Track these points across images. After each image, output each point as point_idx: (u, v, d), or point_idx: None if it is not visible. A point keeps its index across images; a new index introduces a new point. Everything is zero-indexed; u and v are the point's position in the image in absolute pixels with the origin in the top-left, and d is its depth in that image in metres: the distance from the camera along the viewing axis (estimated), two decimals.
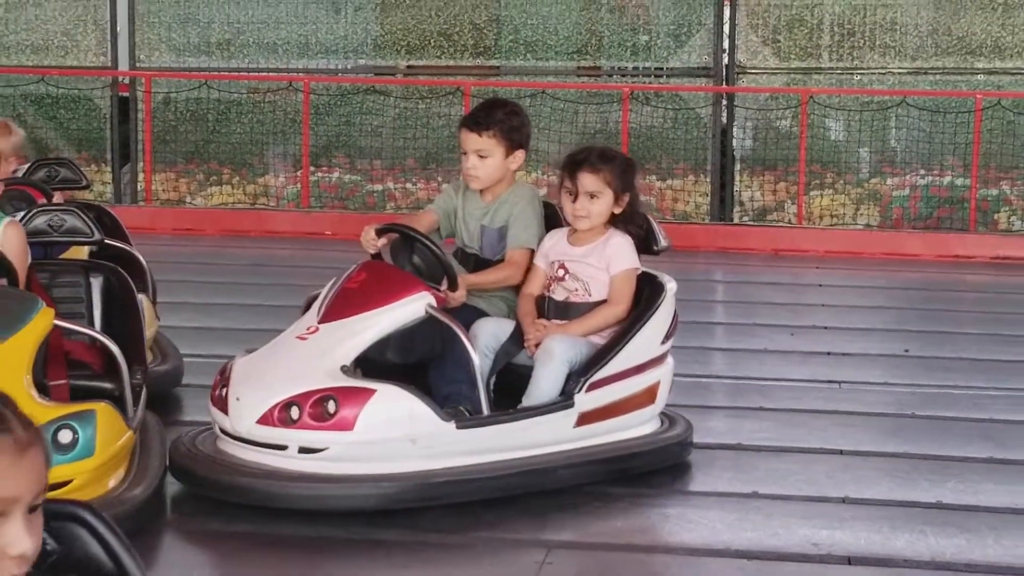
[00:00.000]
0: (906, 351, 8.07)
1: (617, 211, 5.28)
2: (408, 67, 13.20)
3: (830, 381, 7.28)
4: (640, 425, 5.40)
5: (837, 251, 11.61)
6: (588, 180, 5.23)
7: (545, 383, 5.07)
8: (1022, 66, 12.54)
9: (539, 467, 5.05)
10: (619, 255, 5.26)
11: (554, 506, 5.02)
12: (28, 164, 7.56)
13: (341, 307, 4.94)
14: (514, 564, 4.62)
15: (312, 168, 12.65)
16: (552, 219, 5.51)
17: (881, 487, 5.48)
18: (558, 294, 5.30)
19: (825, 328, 8.70)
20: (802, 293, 10.12)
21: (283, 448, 4.69)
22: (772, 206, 12.63)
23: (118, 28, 13.25)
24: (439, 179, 12.86)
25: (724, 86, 12.64)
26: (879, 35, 12.71)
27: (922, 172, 12.58)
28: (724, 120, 12.70)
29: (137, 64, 13.20)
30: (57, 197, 6.56)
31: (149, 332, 6.35)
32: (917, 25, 12.72)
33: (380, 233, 5.22)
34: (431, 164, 12.92)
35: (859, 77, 12.77)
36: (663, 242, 5.45)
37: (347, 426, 4.63)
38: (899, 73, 12.72)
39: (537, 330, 5.15)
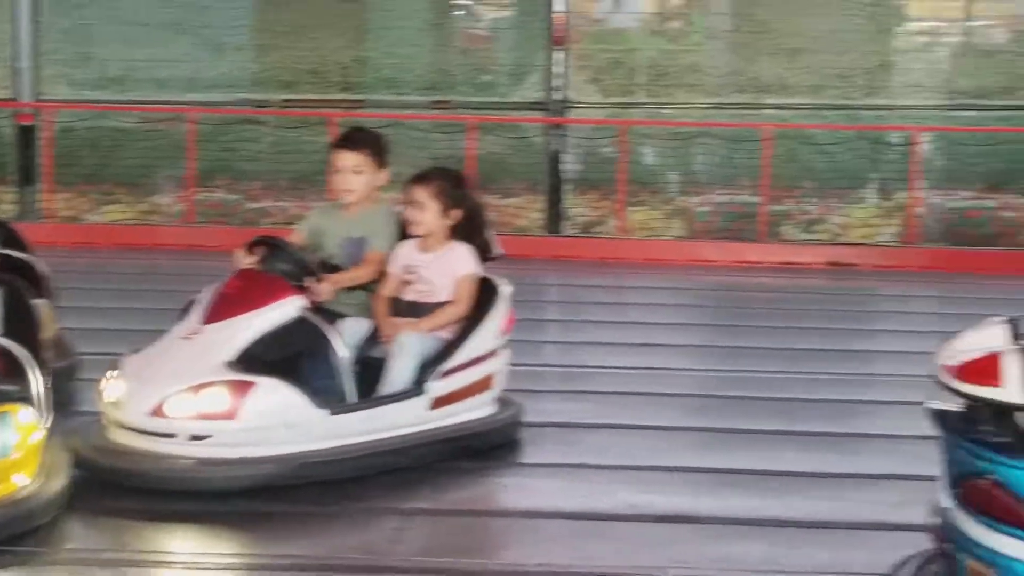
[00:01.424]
0: (708, 343, 8.26)
1: (449, 223, 5.29)
2: (284, 101, 12.97)
3: (645, 367, 7.35)
4: (481, 408, 5.40)
5: (652, 258, 11.68)
6: (417, 192, 5.26)
7: (399, 373, 5.07)
8: (803, 102, 12.60)
9: (399, 447, 5.02)
10: (461, 262, 5.29)
11: (411, 480, 5.00)
12: None
13: (221, 310, 4.88)
14: (376, 529, 4.60)
15: (197, 188, 12.48)
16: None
17: (689, 456, 5.56)
18: (409, 295, 5.31)
19: (642, 323, 8.80)
20: (622, 294, 10.23)
21: (173, 436, 4.62)
22: (596, 220, 12.62)
23: (20, 63, 12.86)
24: (310, 198, 12.72)
25: (555, 118, 12.61)
26: (685, 76, 12.74)
27: (720, 191, 12.63)
28: (555, 147, 12.66)
29: (40, 97, 12.88)
30: None
31: (48, 333, 6.21)
32: (717, 67, 12.78)
33: (249, 248, 5.16)
34: (302, 184, 12.77)
35: (669, 111, 12.77)
36: (496, 251, 5.49)
37: (231, 415, 4.61)
38: (702, 107, 12.74)
39: (391, 327, 5.17)
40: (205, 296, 5.01)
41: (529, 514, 4.89)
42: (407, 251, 5.35)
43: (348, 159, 5.31)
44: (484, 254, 5.44)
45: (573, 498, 5.04)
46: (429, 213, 5.26)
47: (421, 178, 5.32)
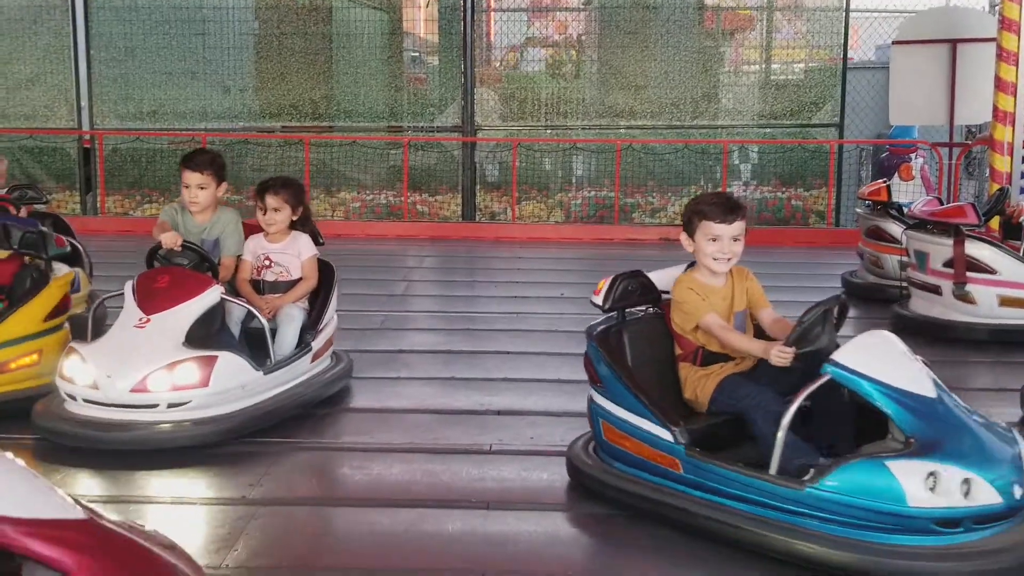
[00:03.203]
0: (562, 295, 8.19)
1: (295, 219, 5.07)
2: (283, 127, 12.80)
3: (514, 312, 7.45)
4: (329, 360, 5.19)
5: (536, 237, 11.72)
6: (272, 200, 5.01)
7: (291, 337, 4.84)
8: (647, 124, 12.61)
9: (301, 395, 4.79)
10: (306, 247, 5.07)
11: (304, 417, 4.80)
12: (7, 185, 7.52)
13: (161, 302, 4.47)
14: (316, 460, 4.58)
15: None
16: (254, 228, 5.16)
17: (528, 370, 5.70)
18: (268, 276, 5.05)
19: (517, 283, 8.79)
20: (511, 262, 10.15)
21: (155, 406, 4.26)
22: (499, 211, 12.67)
23: (82, 103, 12.95)
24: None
25: (469, 137, 12.70)
26: (562, 105, 12.75)
27: (589, 189, 12.71)
28: (469, 159, 12.69)
29: (95, 126, 12.93)
30: (24, 211, 6.43)
31: (84, 291, 6.49)
32: (584, 99, 12.77)
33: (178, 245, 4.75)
34: None
35: (549, 131, 12.79)
36: (320, 241, 5.20)
37: (204, 383, 4.29)
38: (574, 128, 12.75)
39: (268, 303, 4.91)
40: (137, 288, 4.57)
41: (402, 410, 4.99)
42: (258, 243, 5.07)
43: (195, 179, 4.96)
44: (316, 240, 5.17)
45: (435, 398, 5.17)
46: (283, 214, 5.01)
47: (274, 188, 5.04)
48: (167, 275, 4.62)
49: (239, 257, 5.09)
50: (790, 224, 12.45)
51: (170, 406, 4.30)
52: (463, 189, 12.70)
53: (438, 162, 12.81)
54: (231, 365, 4.42)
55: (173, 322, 4.44)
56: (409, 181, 12.51)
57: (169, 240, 4.73)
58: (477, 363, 5.97)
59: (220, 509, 3.84)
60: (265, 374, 4.58)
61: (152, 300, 4.50)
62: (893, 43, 11.20)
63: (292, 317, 4.90)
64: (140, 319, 4.45)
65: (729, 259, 3.87)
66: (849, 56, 12.96)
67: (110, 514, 2.00)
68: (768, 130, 12.73)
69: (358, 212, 12.71)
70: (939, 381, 3.45)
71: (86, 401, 4.33)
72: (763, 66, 13.06)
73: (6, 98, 13.06)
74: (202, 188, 4.96)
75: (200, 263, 4.75)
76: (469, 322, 7.25)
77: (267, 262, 5.06)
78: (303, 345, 4.89)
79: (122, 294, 4.62)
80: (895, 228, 7.74)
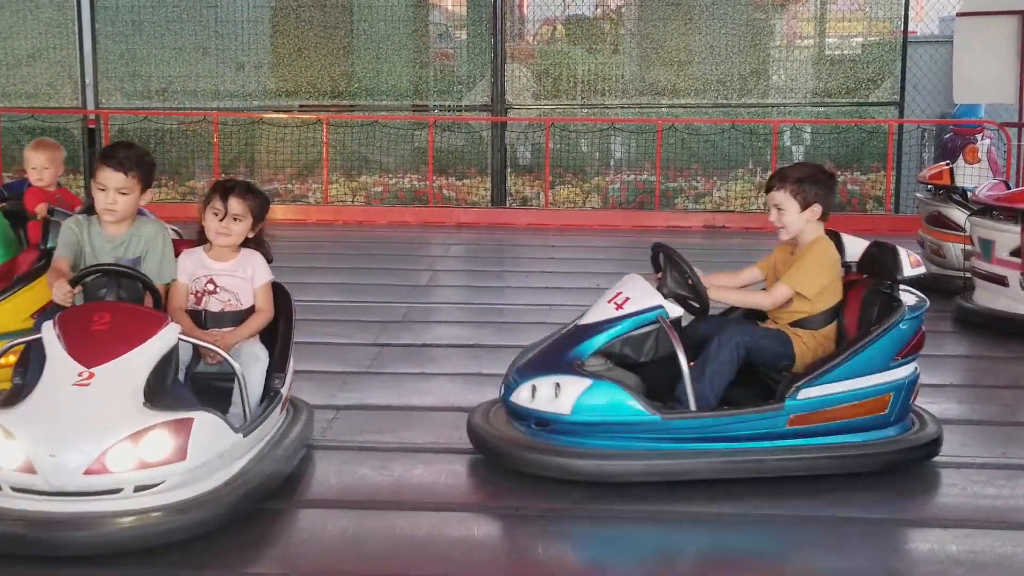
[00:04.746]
0: (598, 286, 8.01)
1: (251, 236, 4.26)
2: (300, 106, 12.93)
3: (546, 305, 7.48)
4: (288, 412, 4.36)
5: (571, 224, 11.76)
6: (236, 204, 4.19)
7: (258, 383, 4.04)
8: (691, 102, 12.69)
9: (282, 458, 3.96)
10: (262, 270, 4.28)
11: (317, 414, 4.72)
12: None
13: (103, 349, 3.56)
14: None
15: (222, 174, 12.54)
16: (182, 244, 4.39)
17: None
18: (213, 306, 4.20)
19: (550, 272, 8.80)
20: (543, 251, 10.16)
21: (118, 491, 3.36)
22: (531, 196, 12.75)
23: (86, 80, 13.11)
24: (310, 181, 12.99)
25: (499, 117, 12.76)
26: (598, 83, 12.82)
27: (628, 172, 12.76)
28: (499, 139, 12.78)
29: (99, 105, 13.08)
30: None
31: None
32: (623, 76, 12.83)
33: (74, 283, 3.88)
34: (304, 172, 12.97)
35: (586, 110, 12.87)
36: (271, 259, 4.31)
37: (181, 456, 3.41)
38: (611, 107, 12.82)
39: (221, 340, 4.02)
40: (64, 331, 3.62)
41: (426, 408, 4.99)
42: (198, 261, 4.23)
43: (116, 180, 4.06)
44: (269, 259, 4.41)
45: (461, 395, 5.14)
46: (243, 225, 4.22)
47: (240, 191, 4.23)
48: (105, 312, 3.72)
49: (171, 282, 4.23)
50: (845, 210, 12.45)
51: (137, 489, 3.39)
52: (492, 172, 12.82)
53: (466, 143, 12.93)
54: (209, 428, 3.55)
55: (126, 375, 3.54)
56: (435, 164, 12.58)
57: (60, 297, 3.81)
58: (506, 358, 5.70)
59: None
60: (244, 435, 3.74)
61: (90, 347, 3.58)
62: (958, 14, 11.13)
63: (256, 358, 4.08)
64: (80, 374, 3.49)
65: (778, 228, 4.37)
66: (911, 29, 13.01)
67: None
68: (822, 109, 12.78)
69: (380, 197, 12.79)
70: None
71: (16, 491, 3.37)
72: (817, 40, 13.11)
73: (6, 75, 13.28)
74: (123, 193, 4.07)
75: (135, 290, 3.93)
76: (498, 315, 7.29)
77: (210, 286, 4.22)
78: (271, 392, 4.06)
79: (38, 339, 3.67)
80: (958, 214, 7.71)
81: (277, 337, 4.25)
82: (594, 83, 12.88)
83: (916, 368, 4.28)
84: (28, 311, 4.81)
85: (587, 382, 4.06)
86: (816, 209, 4.32)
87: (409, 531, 3.72)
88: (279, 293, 4.36)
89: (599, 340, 4.18)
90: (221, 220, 4.20)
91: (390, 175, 12.96)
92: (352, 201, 12.75)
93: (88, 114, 13.11)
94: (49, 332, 3.64)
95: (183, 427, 3.47)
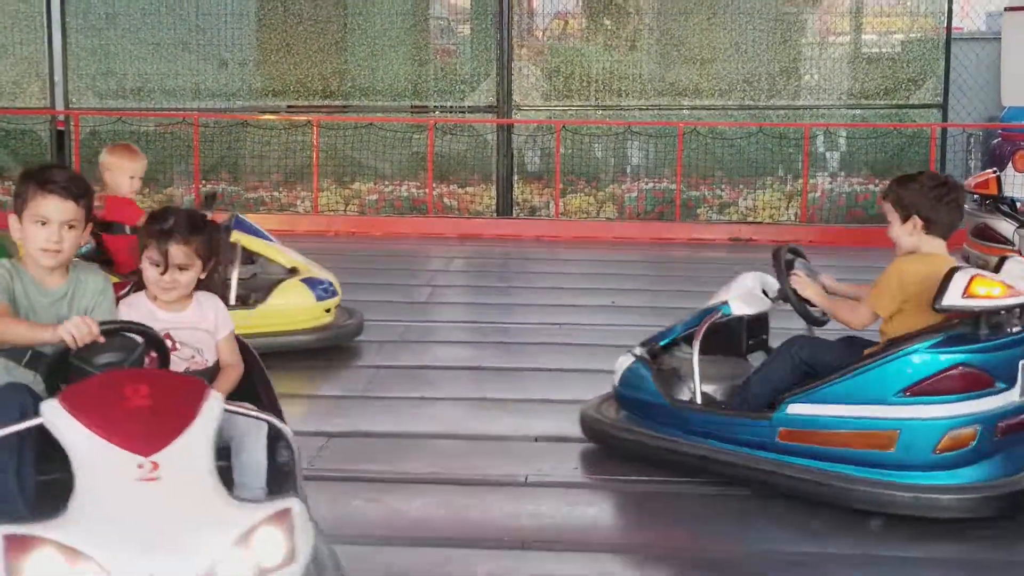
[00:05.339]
0: (613, 303, 8.27)
1: (203, 277, 3.70)
2: (288, 107, 12.99)
3: (556, 324, 7.53)
4: None
5: (583, 236, 11.74)
6: (178, 252, 3.62)
7: (262, 453, 3.45)
8: (715, 103, 12.73)
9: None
10: (224, 319, 3.78)
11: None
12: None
13: (155, 431, 2.98)
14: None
15: (203, 181, 12.63)
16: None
17: (574, 390, 5.71)
18: (175, 366, 3.56)
19: (560, 288, 8.83)
20: (552, 266, 10.18)
21: None
22: (539, 205, 12.76)
23: (55, 78, 13.12)
24: (299, 189, 13.00)
25: (505, 119, 12.79)
26: (613, 82, 12.85)
27: (646, 180, 12.75)
28: (505, 143, 12.79)
29: (70, 105, 13.11)
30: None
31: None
32: (640, 75, 12.86)
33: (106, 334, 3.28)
34: (292, 178, 13.00)
35: (600, 112, 12.91)
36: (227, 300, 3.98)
37: (292, 557, 2.90)
38: (628, 108, 12.85)
39: None
40: (89, 415, 2.96)
41: (425, 435, 5.12)
42: (146, 313, 3.64)
43: (61, 209, 3.43)
44: (224, 298, 4.04)
45: (464, 421, 5.31)
46: (191, 274, 3.67)
47: (180, 234, 3.62)
48: (140, 383, 3.11)
49: None
50: (885, 222, 12.41)
51: None
52: (498, 180, 12.85)
53: (469, 148, 12.97)
54: (304, 519, 3.01)
55: (195, 460, 3.01)
56: (435, 170, 12.65)
57: (80, 333, 3.21)
58: (513, 382, 6.06)
59: None
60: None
61: (137, 429, 2.99)
62: (1006, 9, 11.23)
63: (257, 424, 3.48)
64: (140, 466, 2.92)
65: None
66: (955, 25, 13.00)
67: None
68: (859, 112, 12.83)
69: (375, 206, 12.85)
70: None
71: None
72: (853, 36, 13.15)
73: None
74: (71, 227, 3.47)
75: (131, 353, 3.33)
76: (503, 334, 7.35)
77: (168, 343, 3.57)
78: (283, 465, 3.52)
79: (27, 429, 3.05)
80: (1006, 226, 7.77)
81: (256, 395, 3.71)
82: (609, 82, 12.92)
83: (951, 412, 4.09)
84: None
85: (630, 359, 4.87)
86: (916, 221, 4.29)
87: (406, 568, 3.76)
88: (241, 346, 3.84)
89: (676, 330, 4.94)
90: (163, 273, 3.62)
91: (386, 182, 13.03)
92: (345, 211, 12.80)
93: (57, 115, 13.15)
94: (61, 416, 2.96)
95: (285, 520, 2.94)
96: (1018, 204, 7.96)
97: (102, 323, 3.27)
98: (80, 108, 13.12)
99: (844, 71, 12.99)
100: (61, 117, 13.16)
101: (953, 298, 4.02)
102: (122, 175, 6.18)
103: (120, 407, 3.00)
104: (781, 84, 12.87)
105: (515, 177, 12.88)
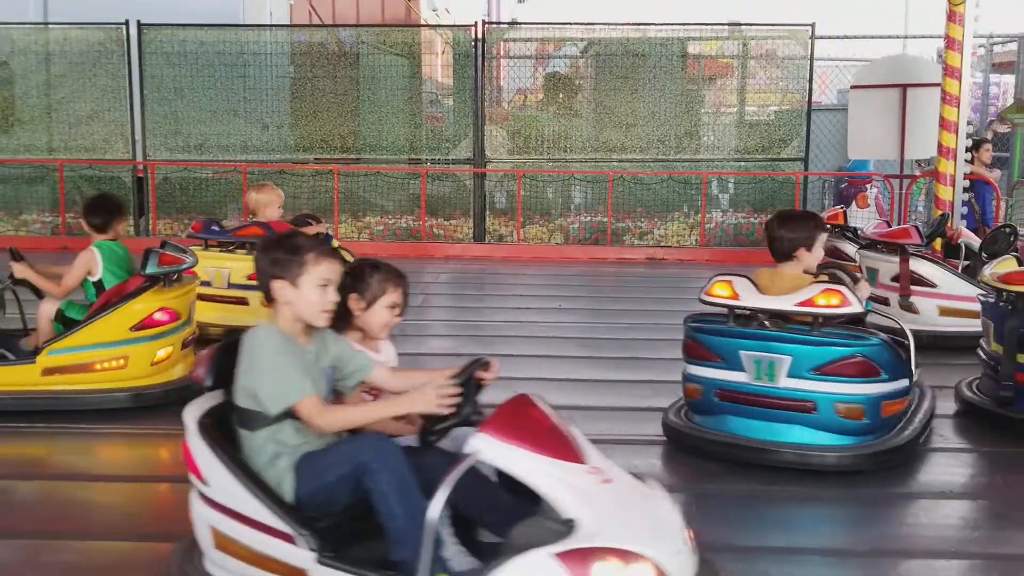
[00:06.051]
0: (559, 306, 8.35)
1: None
2: (315, 159, 12.92)
3: (517, 321, 7.63)
4: None
5: (538, 257, 11.89)
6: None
7: None
8: (636, 157, 12.74)
9: None
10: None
11: None
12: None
13: (571, 445, 2.64)
14: None
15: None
16: None
17: (529, 372, 5.73)
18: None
19: (521, 295, 8.95)
20: (516, 278, 10.25)
21: None
22: (506, 233, 12.75)
23: (136, 137, 13.15)
24: (323, 222, 12.84)
25: (480, 168, 12.82)
26: (561, 141, 12.90)
27: (585, 214, 12.79)
28: (480, 187, 12.79)
29: (147, 157, 13.11)
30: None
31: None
32: (581, 136, 12.90)
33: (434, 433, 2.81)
34: (318, 213, 12.71)
35: (551, 163, 12.91)
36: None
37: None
38: (572, 161, 12.87)
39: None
40: (516, 439, 2.55)
41: None
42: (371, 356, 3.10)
43: (339, 272, 2.95)
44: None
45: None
46: None
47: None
48: (531, 406, 2.72)
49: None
50: (761, 246, 12.39)
51: None
52: (474, 214, 12.84)
53: (452, 190, 12.95)
54: None
55: (604, 462, 2.69)
56: (426, 207, 12.71)
57: (444, 401, 2.74)
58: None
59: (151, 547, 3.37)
60: None
61: (561, 444, 2.63)
62: (851, 88, 11.46)
63: None
64: (590, 472, 2.58)
65: None
66: (815, 99, 13.14)
67: None
68: (743, 163, 12.86)
69: (381, 234, 12.93)
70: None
71: None
72: (739, 107, 13.18)
73: (69, 132, 13.27)
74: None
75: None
76: (477, 329, 7.44)
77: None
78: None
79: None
80: (850, 248, 7.95)
81: None
82: (558, 141, 12.97)
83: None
84: (127, 325, 4.88)
85: None
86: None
87: None
88: None
89: None
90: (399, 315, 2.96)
91: (389, 216, 13.10)
92: (358, 238, 12.88)
93: (137, 165, 13.12)
94: (494, 447, 2.53)
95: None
96: (859, 231, 8.16)
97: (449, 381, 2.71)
98: (155, 160, 13.07)
99: (732, 133, 13.03)
100: (140, 167, 13.10)
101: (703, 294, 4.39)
102: (273, 207, 6.04)
103: (542, 429, 2.61)
104: (685, 143, 12.88)
105: (487, 212, 12.86)
